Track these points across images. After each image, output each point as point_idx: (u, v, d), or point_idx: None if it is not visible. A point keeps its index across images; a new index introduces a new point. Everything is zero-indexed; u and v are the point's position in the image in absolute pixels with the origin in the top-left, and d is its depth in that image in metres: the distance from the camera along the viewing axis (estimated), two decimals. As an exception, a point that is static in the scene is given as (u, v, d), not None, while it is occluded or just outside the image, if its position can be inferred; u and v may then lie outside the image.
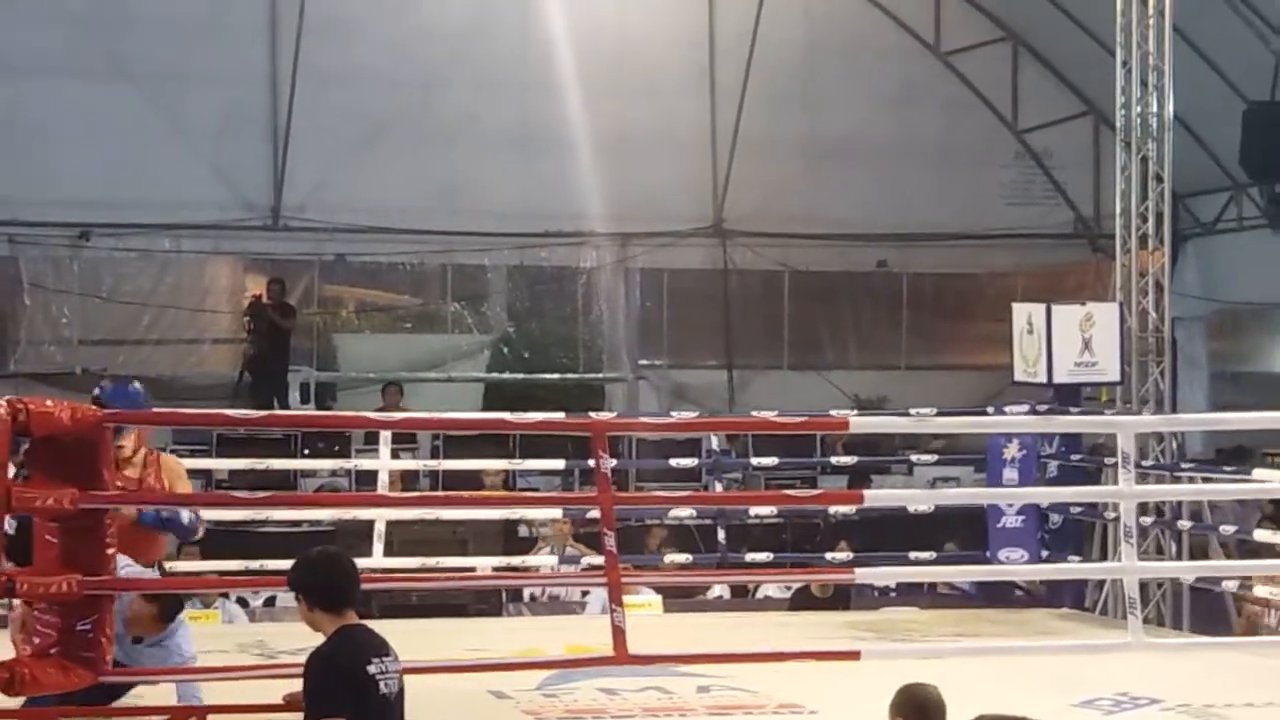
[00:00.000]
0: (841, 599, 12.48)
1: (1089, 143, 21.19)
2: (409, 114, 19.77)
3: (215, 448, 16.59)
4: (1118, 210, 14.30)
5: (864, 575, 9.43)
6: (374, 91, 19.66)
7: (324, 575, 5.77)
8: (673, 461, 13.28)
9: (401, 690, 5.68)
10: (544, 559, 12.50)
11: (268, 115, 19.77)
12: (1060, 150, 21.48)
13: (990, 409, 13.00)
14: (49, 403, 7.35)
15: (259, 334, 19.08)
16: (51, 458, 7.43)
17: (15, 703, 7.33)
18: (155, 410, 8.31)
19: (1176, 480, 12.42)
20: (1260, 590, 10.74)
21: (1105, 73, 15.04)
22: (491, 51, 19.88)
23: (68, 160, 18.98)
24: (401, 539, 12.04)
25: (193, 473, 15.35)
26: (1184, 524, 12.64)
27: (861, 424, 9.22)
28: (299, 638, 9.29)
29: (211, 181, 19.48)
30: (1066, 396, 12.88)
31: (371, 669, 5.54)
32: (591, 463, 8.56)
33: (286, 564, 10.74)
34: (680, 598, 12.29)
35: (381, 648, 5.66)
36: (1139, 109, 14.13)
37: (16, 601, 7.62)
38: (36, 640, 7.53)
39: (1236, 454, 16.72)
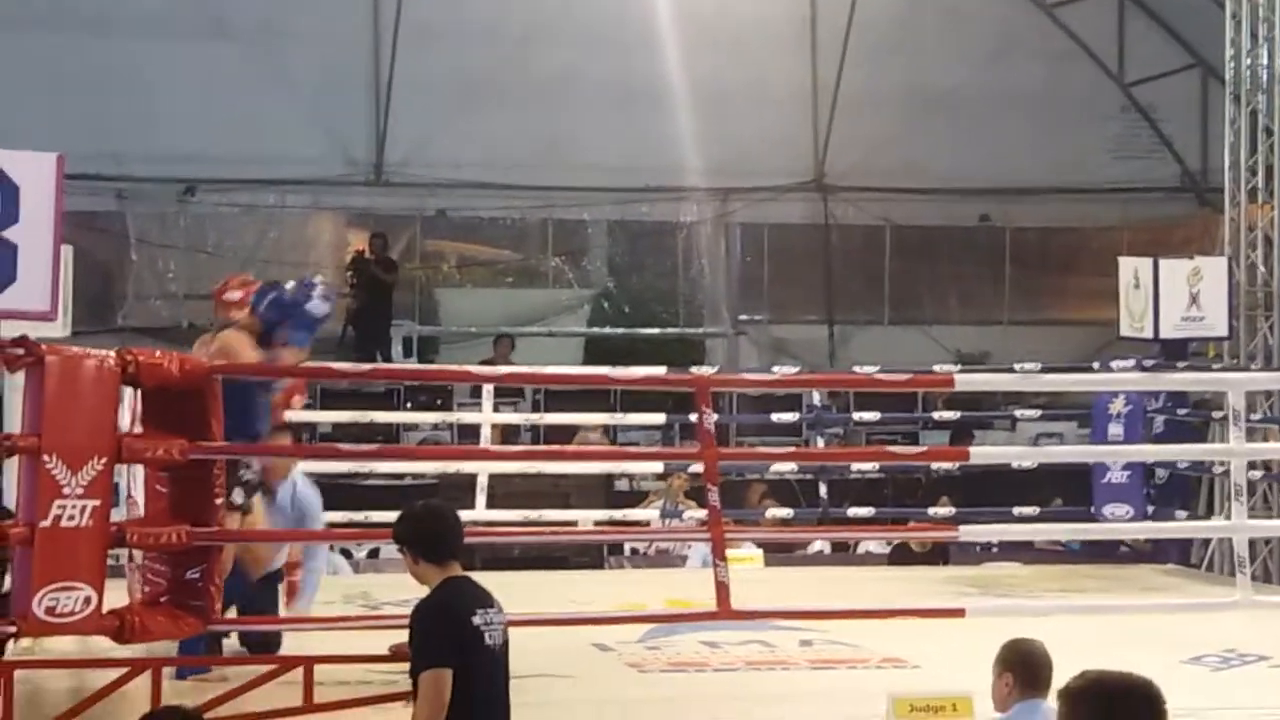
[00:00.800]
0: (940, 554, 12.43)
1: (1197, 96, 20.90)
2: (509, 69, 19.78)
3: (319, 401, 16.71)
4: (1226, 164, 14.14)
5: (968, 533, 9.38)
6: (475, 47, 19.69)
7: (429, 527, 5.79)
8: (774, 417, 13.24)
9: (506, 642, 5.71)
10: (651, 513, 12.51)
11: (370, 71, 19.87)
12: (1167, 103, 21.21)
13: (1096, 364, 12.90)
14: (158, 353, 7.43)
15: (362, 288, 19.22)
16: (161, 408, 7.52)
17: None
18: (259, 363, 8.36)
19: (1285, 436, 12.27)
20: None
21: (1214, 25, 14.86)
22: (592, 6, 19.86)
23: (173, 117, 19.15)
24: (504, 492, 12.10)
25: (298, 425, 15.67)
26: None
27: (967, 381, 9.16)
28: (403, 589, 9.36)
29: (314, 137, 19.61)
30: (1173, 351, 12.74)
31: (477, 620, 5.56)
32: (692, 417, 8.55)
33: (390, 516, 10.84)
34: (781, 552, 12.28)
35: (486, 599, 5.68)
36: (1248, 61, 13.95)
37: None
38: (147, 588, 7.64)
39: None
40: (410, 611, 5.68)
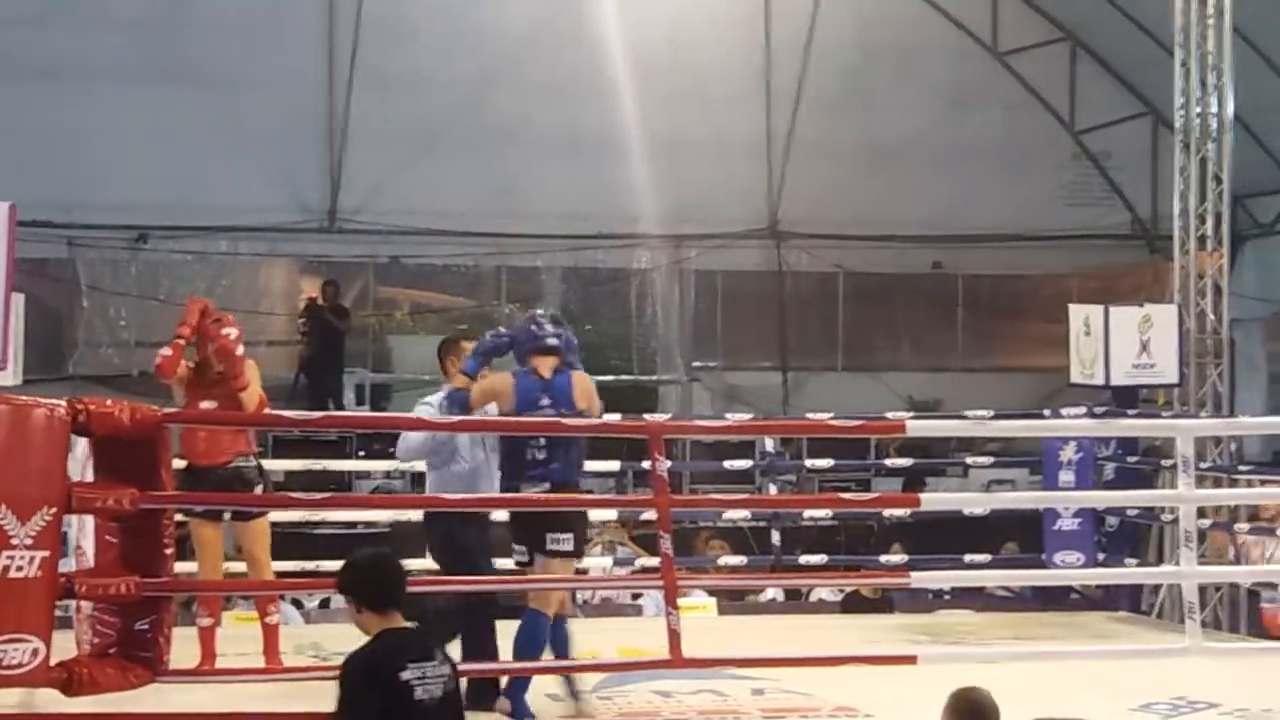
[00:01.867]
0: (889, 601, 12.46)
1: (1147, 143, 21.06)
2: (464, 117, 19.81)
3: (271, 449, 16.65)
4: (1176, 211, 14.23)
5: (920, 579, 9.40)
6: (430, 95, 19.73)
7: (370, 576, 5.72)
8: (727, 464, 13.25)
9: (450, 696, 5.52)
10: (597, 560, 12.50)
11: (324, 119, 19.87)
12: (1118, 151, 21.38)
13: (1047, 411, 12.96)
14: (109, 402, 7.40)
15: (314, 336, 19.18)
16: (112, 458, 7.48)
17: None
18: (211, 410, 8.37)
19: (1234, 484, 12.33)
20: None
21: (1164, 73, 14.98)
22: (546, 54, 19.91)
23: (125, 163, 19.10)
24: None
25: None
26: (1242, 527, 12.54)
27: (918, 428, 9.19)
28: (354, 640, 9.35)
29: (268, 184, 19.58)
30: (1124, 398, 12.82)
31: (406, 675, 5.41)
32: (645, 464, 8.54)
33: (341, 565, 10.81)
34: (733, 600, 12.27)
35: (424, 652, 5.53)
36: (1198, 109, 14.05)
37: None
38: (96, 640, 7.59)
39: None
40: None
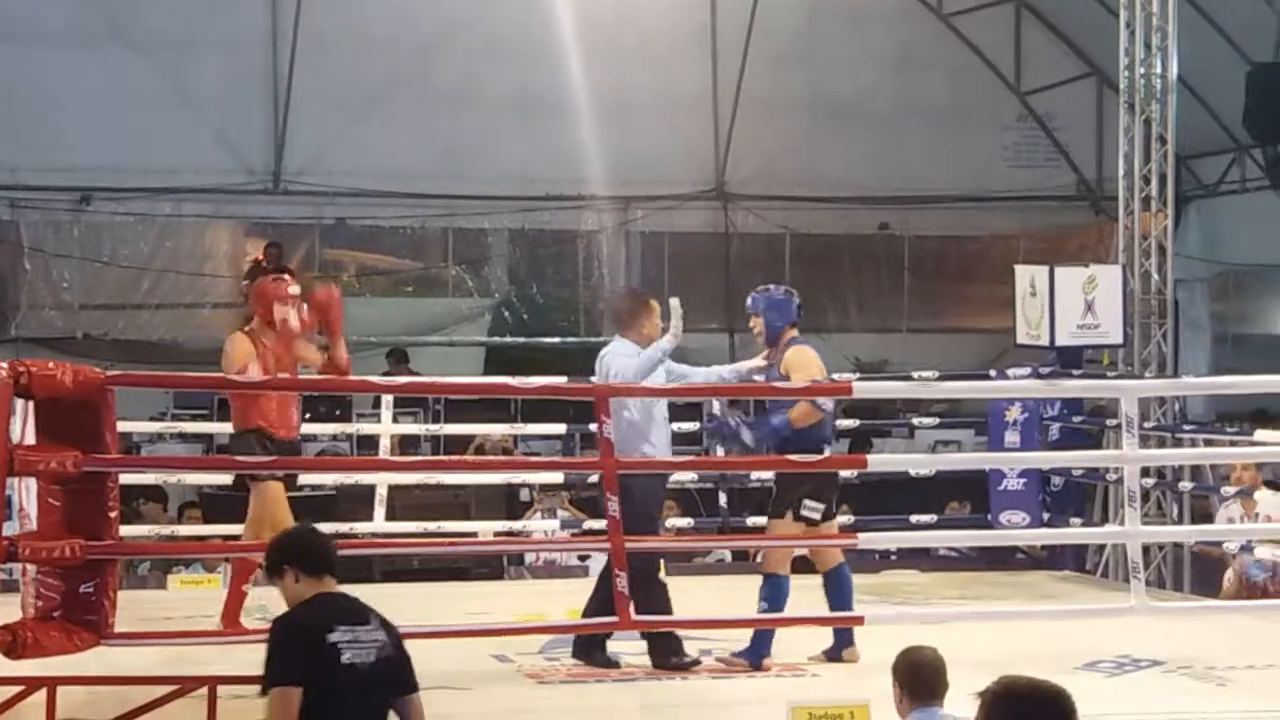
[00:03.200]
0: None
1: (1092, 105, 21.14)
2: (410, 78, 19.72)
3: (216, 412, 16.57)
4: (1120, 172, 14.29)
5: (867, 540, 9.41)
6: (375, 56, 19.63)
7: (306, 541, 5.65)
8: (674, 426, 13.24)
9: (384, 660, 5.42)
10: (538, 524, 12.51)
11: (268, 80, 19.74)
12: (1063, 112, 21.43)
13: (992, 372, 13.01)
14: (50, 365, 7.34)
15: (258, 298, 19.07)
16: (54, 420, 7.43)
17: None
18: (155, 373, 8.34)
19: (1178, 443, 12.41)
20: (1262, 552, 10.74)
21: (1108, 34, 15.02)
22: (492, 15, 19.83)
23: (69, 125, 18.97)
24: (403, 504, 12.03)
25: (194, 437, 15.56)
26: (1185, 486, 12.63)
27: (864, 389, 9.21)
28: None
29: (212, 146, 19.47)
30: (1069, 359, 12.87)
31: (335, 636, 5.31)
32: (593, 427, 8.55)
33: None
34: (681, 561, 12.28)
35: (357, 615, 5.43)
36: (1142, 70, 14.09)
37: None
38: (39, 603, 7.54)
39: (1259, 417, 16.76)
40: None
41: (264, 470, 8.70)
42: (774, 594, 8.67)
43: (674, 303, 8.78)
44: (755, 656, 8.57)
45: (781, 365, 8.92)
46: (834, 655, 8.74)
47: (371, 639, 5.41)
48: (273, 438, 8.90)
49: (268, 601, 10.30)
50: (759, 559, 9.25)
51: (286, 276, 9.39)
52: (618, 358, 8.90)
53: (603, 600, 8.38)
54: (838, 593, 8.81)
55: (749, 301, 9.11)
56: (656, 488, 9.13)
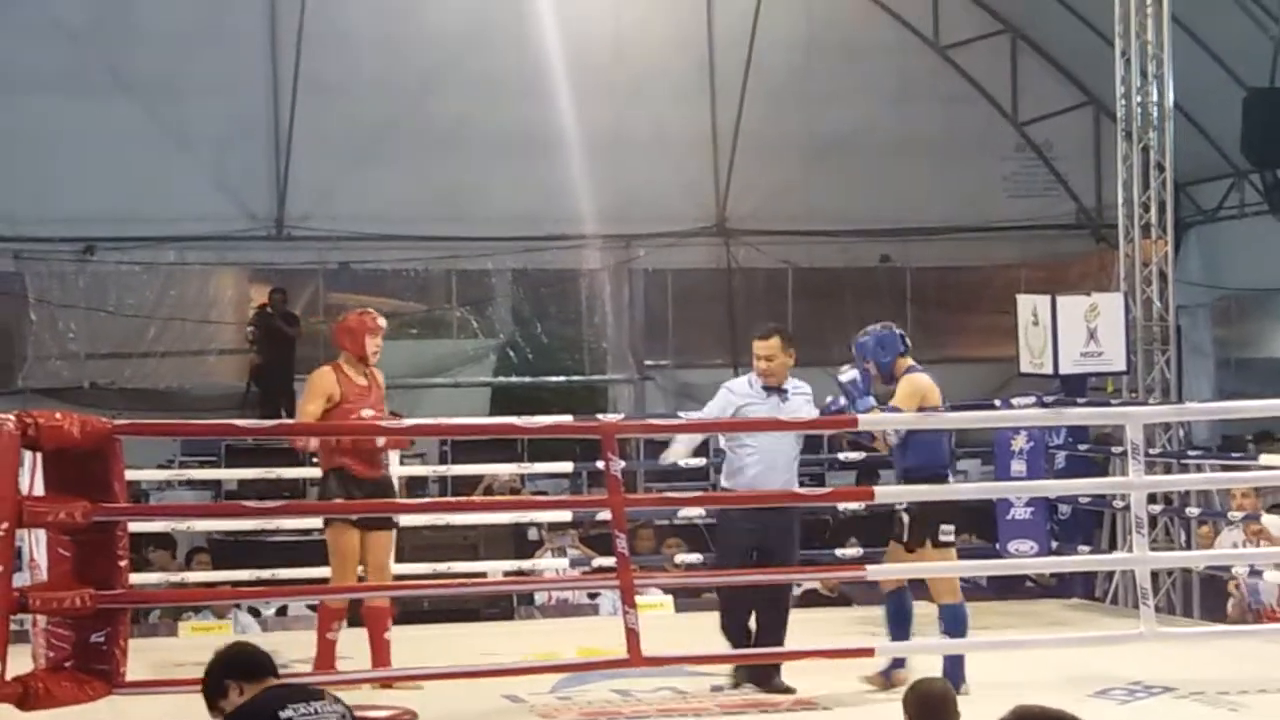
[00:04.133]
0: (846, 595, 12.51)
1: (1090, 133, 21.21)
2: (409, 120, 19.79)
3: (224, 458, 16.61)
4: (1120, 200, 14.33)
5: (875, 572, 9.41)
6: (374, 99, 19.70)
7: (238, 657, 5.51)
8: (681, 462, 13.25)
9: None
10: (548, 562, 12.52)
11: (269, 125, 19.81)
12: (1061, 141, 21.49)
13: (997, 401, 13.02)
14: (58, 415, 7.37)
15: (264, 343, 19.13)
16: (62, 470, 7.45)
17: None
18: (164, 422, 8.36)
19: (1184, 469, 12.41)
20: (1271, 576, 10.74)
21: (1104, 63, 15.07)
22: (489, 56, 19.90)
23: (71, 175, 19.01)
24: (412, 545, 12.04)
25: (202, 484, 15.59)
26: (1192, 511, 12.64)
27: (870, 421, 9.23)
28: (312, 647, 9.34)
29: (215, 193, 19.53)
30: (1073, 387, 12.89)
31: (286, 713, 5.22)
32: (600, 464, 8.57)
33: (299, 573, 10.82)
34: (690, 597, 12.28)
35: (309, 694, 5.36)
36: (1139, 98, 14.16)
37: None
38: (51, 654, 7.56)
39: (1262, 439, 16.79)
40: None
41: (280, 515, 8.70)
42: (954, 621, 8.80)
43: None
44: (955, 677, 8.51)
45: (896, 394, 9.07)
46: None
47: (330, 710, 5.33)
48: (355, 478, 8.89)
49: (279, 646, 10.36)
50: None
51: (370, 310, 9.44)
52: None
53: (768, 626, 8.77)
54: (951, 624, 8.86)
55: (854, 349, 9.24)
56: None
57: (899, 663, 8.83)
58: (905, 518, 8.91)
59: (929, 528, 8.79)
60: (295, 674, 8.94)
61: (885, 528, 9.21)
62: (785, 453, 9.08)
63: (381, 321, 9.28)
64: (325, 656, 8.85)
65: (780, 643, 8.86)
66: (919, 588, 9.00)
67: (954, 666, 8.66)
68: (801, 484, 9.82)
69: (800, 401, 9.15)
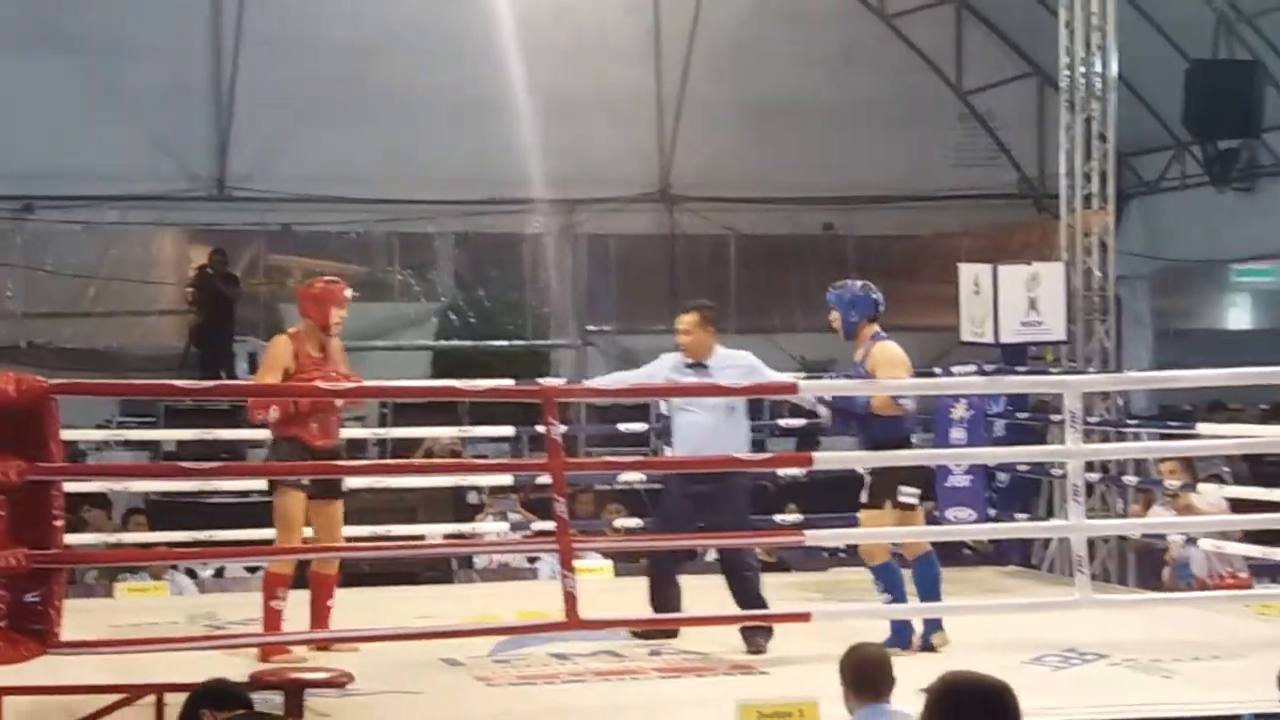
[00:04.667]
0: (784, 561, 12.56)
1: (1033, 103, 21.27)
2: (351, 82, 19.68)
3: (163, 419, 16.53)
4: (1062, 170, 14.37)
5: (814, 537, 9.44)
6: (316, 60, 19.57)
7: (213, 690, 5.49)
8: (621, 426, 13.27)
9: None
10: (488, 526, 12.51)
11: (211, 85, 19.69)
12: (1005, 111, 21.55)
13: (938, 369, 13.06)
14: (-8, 374, 7.31)
15: (203, 304, 19.03)
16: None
17: None
18: (101, 381, 8.28)
19: (1122, 438, 12.49)
20: (1206, 544, 10.84)
21: (1049, 33, 15.11)
22: (434, 17, 19.80)
23: (10, 132, 18.85)
24: (351, 507, 11.98)
25: (140, 444, 15.51)
26: (1129, 480, 12.73)
27: (809, 387, 9.24)
28: (249, 608, 9.31)
29: (155, 152, 19.39)
30: (1013, 356, 12.95)
31: None
32: (541, 429, 8.56)
33: (236, 534, 10.79)
34: (630, 561, 12.30)
35: None
36: (1083, 69, 14.18)
37: None
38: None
39: (1215, 409, 16.97)
40: None
41: (218, 476, 8.64)
42: (890, 581, 8.91)
43: None
44: (904, 640, 8.75)
45: (869, 361, 9.16)
46: (925, 645, 8.90)
47: None
48: (307, 446, 8.81)
49: (216, 608, 10.33)
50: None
51: (339, 280, 9.34)
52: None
53: (743, 593, 8.96)
54: (889, 583, 8.97)
55: (828, 296, 9.36)
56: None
57: (931, 626, 8.91)
58: (868, 478, 9.01)
59: (889, 488, 8.89)
60: (231, 634, 8.95)
61: (841, 495, 9.26)
62: (713, 426, 9.12)
63: (349, 293, 9.17)
64: (270, 625, 8.75)
65: (764, 604, 8.97)
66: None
67: (901, 627, 8.81)
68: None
69: (729, 375, 9.16)
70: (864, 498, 9.03)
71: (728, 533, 9.00)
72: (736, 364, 9.30)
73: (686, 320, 9.30)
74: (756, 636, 8.86)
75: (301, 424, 8.82)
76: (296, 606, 8.91)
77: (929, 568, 9.06)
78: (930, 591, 9.04)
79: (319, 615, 8.90)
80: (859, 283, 9.42)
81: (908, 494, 8.92)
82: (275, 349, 8.98)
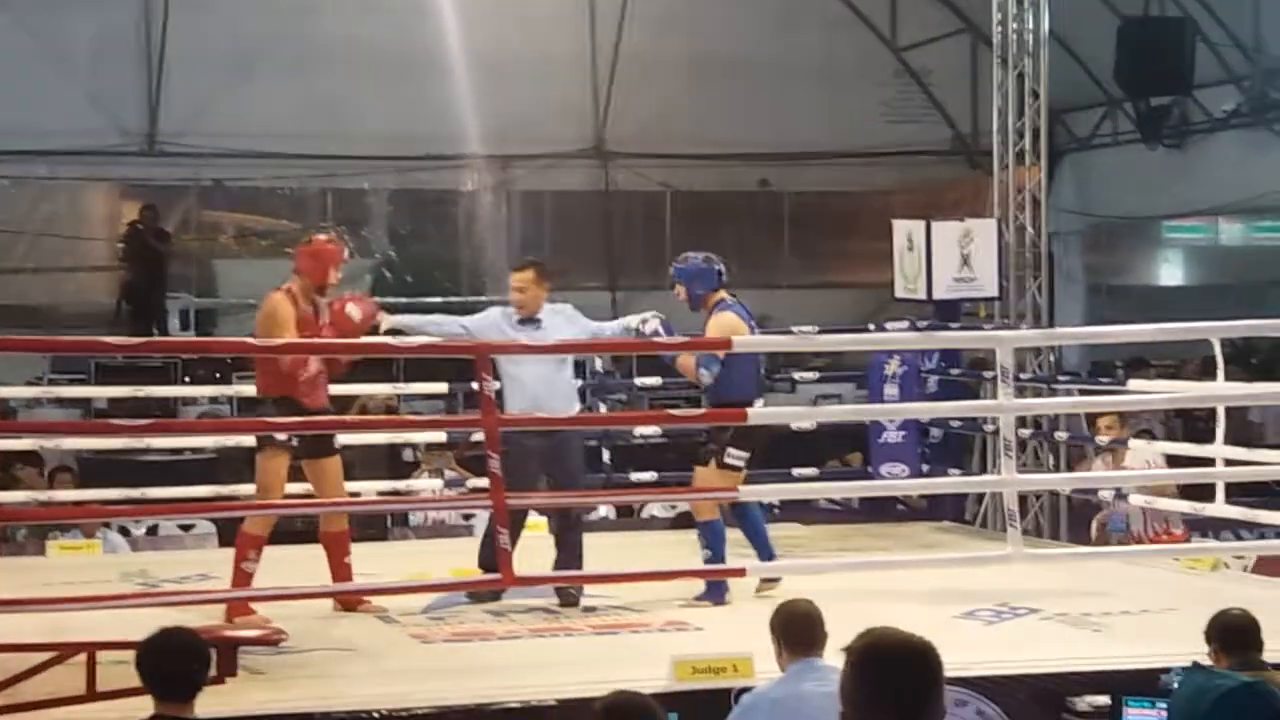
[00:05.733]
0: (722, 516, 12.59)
1: (967, 60, 21.31)
2: (285, 37, 19.55)
3: (94, 376, 16.42)
4: (995, 127, 14.43)
5: (748, 493, 9.48)
6: (250, 13, 19.43)
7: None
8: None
9: None
10: (424, 483, 12.49)
11: (141, 38, 19.52)
12: (938, 68, 21.61)
13: (872, 326, 13.12)
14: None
15: (135, 261, 18.90)
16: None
17: None
18: (31, 338, 8.21)
19: (1054, 394, 12.58)
20: (1135, 499, 10.93)
21: (982, -11, 15.14)
22: (369, -28, 19.70)
23: (-66, 85, 18.66)
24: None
25: (72, 401, 15.41)
26: (1061, 435, 12.83)
27: (744, 343, 9.26)
28: (182, 566, 9.29)
29: (86, 107, 19.21)
30: (946, 312, 13.01)
31: None
32: (475, 386, 8.56)
33: (169, 492, 10.72)
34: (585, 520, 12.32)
35: None
36: (1015, 26, 14.22)
37: None
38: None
39: (1134, 364, 17.08)
40: None
41: (150, 434, 8.58)
42: (713, 538, 9.10)
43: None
44: (719, 595, 8.96)
45: (706, 329, 9.30)
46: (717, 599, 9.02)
47: None
48: (300, 406, 8.67)
49: (148, 566, 10.29)
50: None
51: (336, 239, 9.25)
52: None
53: (570, 548, 9.11)
54: (713, 540, 9.17)
55: (671, 271, 9.52)
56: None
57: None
58: (702, 438, 9.28)
59: (719, 448, 9.10)
60: (165, 592, 8.89)
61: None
62: (548, 379, 9.27)
63: (347, 253, 9.07)
64: (239, 585, 8.57)
65: (581, 565, 9.11)
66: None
67: (714, 585, 9.00)
68: (677, 407, 9.89)
69: (559, 323, 9.38)
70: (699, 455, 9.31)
71: (570, 488, 9.21)
72: (563, 311, 9.54)
73: (524, 277, 9.43)
74: (569, 588, 9.00)
75: (294, 384, 8.69)
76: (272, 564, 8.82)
77: (752, 521, 9.36)
78: (759, 537, 9.32)
79: (340, 573, 8.78)
80: (700, 255, 9.60)
81: (735, 456, 9.11)
82: (280, 308, 8.76)
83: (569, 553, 9.15)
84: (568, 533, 9.25)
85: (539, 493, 9.07)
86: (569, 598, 8.97)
